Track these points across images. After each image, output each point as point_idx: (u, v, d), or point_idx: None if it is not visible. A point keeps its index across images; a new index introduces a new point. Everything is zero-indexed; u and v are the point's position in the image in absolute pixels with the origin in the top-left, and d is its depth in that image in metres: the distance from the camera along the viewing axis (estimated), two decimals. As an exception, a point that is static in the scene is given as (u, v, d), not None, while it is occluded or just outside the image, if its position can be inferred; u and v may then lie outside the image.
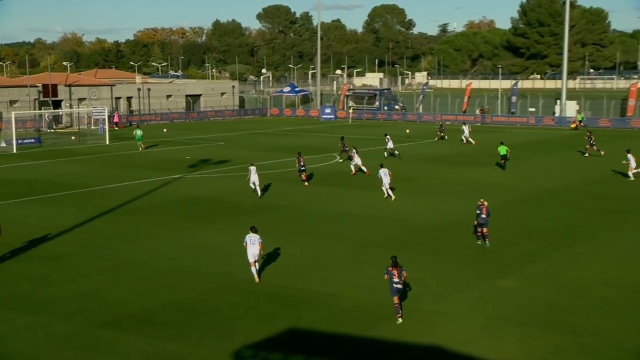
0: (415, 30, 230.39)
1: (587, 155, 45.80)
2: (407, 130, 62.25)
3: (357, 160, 38.86)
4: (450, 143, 54.92)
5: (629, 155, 37.23)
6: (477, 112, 76.90)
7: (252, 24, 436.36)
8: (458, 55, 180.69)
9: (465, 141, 54.20)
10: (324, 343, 15.89)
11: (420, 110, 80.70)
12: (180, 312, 17.60)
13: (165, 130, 65.70)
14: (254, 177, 32.37)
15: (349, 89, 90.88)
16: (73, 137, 57.73)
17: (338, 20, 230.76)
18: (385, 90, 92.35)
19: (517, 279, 20.16)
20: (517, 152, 49.17)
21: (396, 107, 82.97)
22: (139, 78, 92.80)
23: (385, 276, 17.39)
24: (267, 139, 59.13)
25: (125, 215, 28.82)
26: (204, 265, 21.55)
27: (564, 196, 32.78)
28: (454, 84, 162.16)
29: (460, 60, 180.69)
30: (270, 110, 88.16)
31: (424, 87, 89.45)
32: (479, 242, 23.89)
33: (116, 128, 67.91)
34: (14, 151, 50.07)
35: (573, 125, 67.74)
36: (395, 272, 17.15)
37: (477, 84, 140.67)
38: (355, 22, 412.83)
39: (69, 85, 72.96)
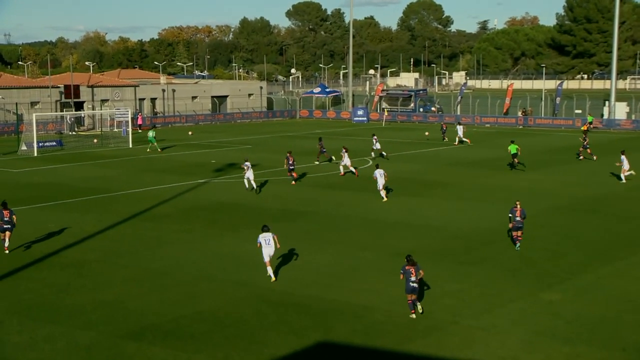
0: (453, 28, 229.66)
1: (581, 158, 46.52)
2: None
3: (346, 160, 39.77)
4: (485, 147, 54.51)
5: (622, 157, 37.63)
6: (519, 114, 76.20)
7: (281, 22, 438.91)
8: (499, 53, 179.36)
9: (458, 142, 55.79)
10: (356, 358, 15.85)
11: (458, 112, 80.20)
12: (206, 323, 17.72)
13: (190, 133, 66.25)
14: (248, 173, 34.92)
15: (383, 90, 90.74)
16: (95, 140, 58.51)
17: (371, 18, 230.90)
18: (421, 91, 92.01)
19: (563, 292, 19.91)
20: (559, 156, 48.64)
21: (432, 109, 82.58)
22: (163, 78, 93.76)
23: (401, 276, 18.16)
24: (296, 142, 59.28)
25: (149, 221, 29.12)
26: (230, 274, 21.67)
27: (611, 203, 32.31)
28: (494, 84, 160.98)
29: (501, 59, 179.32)
30: (300, 112, 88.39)
31: (462, 87, 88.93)
32: (518, 248, 24.03)
33: (139, 130, 68.68)
34: (35, 154, 50.93)
35: (584, 128, 67.05)
36: (413, 271, 17.90)
37: (519, 84, 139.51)
38: (389, 19, 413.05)
39: (92, 86, 74.03)
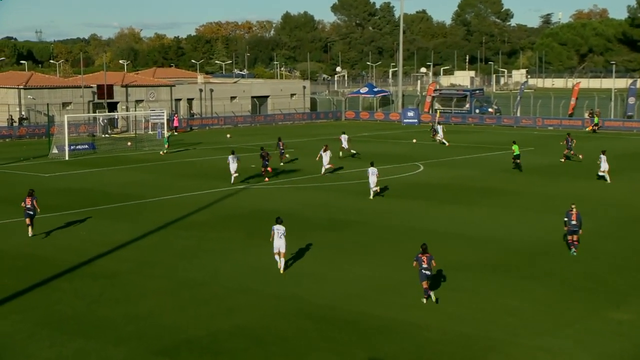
0: (512, 22, 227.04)
1: (562, 160, 47.76)
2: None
3: (326, 159, 42.42)
4: (547, 152, 53.76)
5: (603, 156, 39.89)
6: (586, 115, 74.96)
7: (326, 17, 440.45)
8: (563, 50, 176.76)
9: (438, 142, 58.44)
10: (405, 379, 15.76)
11: (518, 114, 79.36)
12: (245, 339, 17.84)
13: (228, 135, 66.85)
14: (233, 165, 39.31)
15: (435, 90, 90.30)
16: (129, 143, 59.44)
17: (423, 12, 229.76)
18: (477, 91, 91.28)
19: (633, 312, 19.54)
20: (628, 163, 47.67)
21: (489, 110, 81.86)
22: (200, 78, 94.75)
23: (415, 263, 20.40)
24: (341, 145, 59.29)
25: (185, 230, 29.47)
26: (270, 287, 21.79)
27: (691, 215, 31.55)
28: (558, 83, 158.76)
29: (565, 56, 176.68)
30: (345, 114, 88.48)
31: (523, 86, 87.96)
32: (574, 253, 24.33)
33: (175, 133, 69.57)
34: (66, 158, 51.95)
35: (589, 129, 68.56)
36: (425, 259, 20.12)
37: (585, 83, 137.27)
38: (443, 13, 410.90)
39: (126, 86, 75.29)
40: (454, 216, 31.75)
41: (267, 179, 40.75)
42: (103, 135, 67.40)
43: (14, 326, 18.73)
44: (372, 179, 35.11)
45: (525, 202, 34.88)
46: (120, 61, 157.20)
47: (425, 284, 19.93)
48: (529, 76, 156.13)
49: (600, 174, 40.15)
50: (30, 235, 28.06)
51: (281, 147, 47.47)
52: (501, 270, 23.44)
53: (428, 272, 19.99)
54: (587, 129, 70.09)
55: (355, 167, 45.94)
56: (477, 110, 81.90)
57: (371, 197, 35.31)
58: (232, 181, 39.56)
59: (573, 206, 25.15)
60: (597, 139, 63.19)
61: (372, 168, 35.44)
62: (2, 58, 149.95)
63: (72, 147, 54.66)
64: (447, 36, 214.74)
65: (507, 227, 29.66)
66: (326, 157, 42.53)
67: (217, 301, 20.60)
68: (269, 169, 41.44)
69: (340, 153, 48.32)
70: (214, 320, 19.06)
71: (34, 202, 28.16)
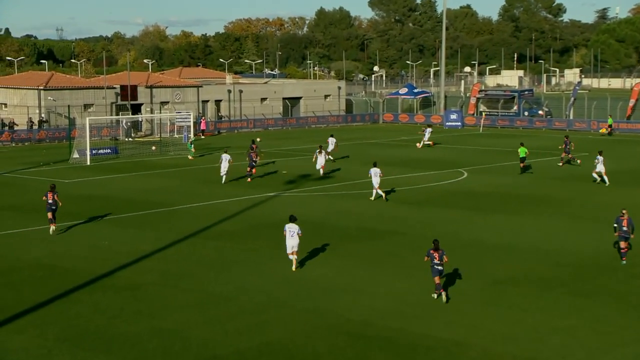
0: (565, 17, 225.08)
1: (561, 164, 48.26)
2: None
3: (321, 160, 44.54)
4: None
5: (600, 157, 41.45)
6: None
7: (363, 13, 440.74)
8: (621, 47, 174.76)
9: (421, 145, 60.06)
10: (446, 402, 15.72)
11: (571, 117, 78.59)
12: (275, 356, 17.93)
13: (258, 139, 67.11)
14: (224, 165, 42.02)
15: (481, 90, 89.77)
16: (154, 148, 59.99)
17: (468, 7, 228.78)
18: (526, 92, 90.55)
19: (696, 332, 19.26)
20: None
21: (539, 112, 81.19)
22: (229, 78, 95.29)
23: (426, 258, 22.07)
24: (378, 150, 59.30)
25: (212, 239, 29.68)
26: (302, 301, 21.86)
27: None
28: (615, 83, 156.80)
29: (623, 54, 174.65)
30: (383, 116, 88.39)
31: (576, 87, 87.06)
32: (623, 262, 24.49)
33: (202, 137, 70.09)
34: (88, 163, 52.58)
35: (603, 131, 69.47)
36: (437, 255, 21.70)
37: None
38: (489, 8, 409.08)
39: (150, 87, 76.07)
40: (499, 226, 31.59)
41: (249, 179, 43.31)
42: (126, 139, 68.09)
43: (32, 341, 19.02)
44: (375, 180, 36.60)
45: (576, 211, 34.59)
46: (145, 60, 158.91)
47: (437, 279, 21.65)
48: (582, 76, 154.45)
49: (595, 175, 41.50)
50: (51, 232, 30.20)
51: (253, 150, 46.73)
52: (550, 284, 23.26)
53: (440, 267, 21.69)
54: (601, 131, 71.06)
55: (393, 174, 45.86)
56: (526, 113, 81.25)
57: (372, 198, 36.89)
58: (222, 181, 41.85)
59: (624, 211, 25.30)
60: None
61: (374, 169, 36.86)
62: (22, 57, 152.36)
63: (93, 152, 55.31)
64: (493, 33, 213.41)
65: (557, 237, 29.44)
66: (321, 158, 44.89)
67: (246, 316, 20.71)
68: (253, 170, 43.74)
69: (331, 157, 50.19)
70: (242, 337, 19.17)
71: (56, 197, 30.41)
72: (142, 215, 34.61)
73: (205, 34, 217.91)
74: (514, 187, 41.49)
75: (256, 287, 23.33)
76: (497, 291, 22.54)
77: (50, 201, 30.31)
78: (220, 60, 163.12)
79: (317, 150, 45.25)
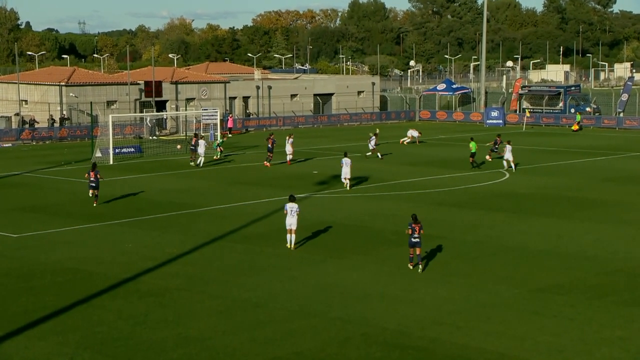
0: (615, 8, 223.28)
1: (489, 159, 49.28)
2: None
3: (346, 170, 43.42)
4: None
5: (508, 146, 45.39)
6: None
7: (399, 4, 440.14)
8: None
9: (403, 142, 61.97)
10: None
11: (621, 115, 77.75)
12: (306, 367, 17.91)
13: (179, 147, 66.91)
14: (201, 150, 47.30)
15: (524, 86, 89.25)
16: (179, 146, 60.29)
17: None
18: (573, 88, 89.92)
19: None
20: None
21: (587, 109, 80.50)
22: (258, 73, 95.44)
23: (409, 230, 24.82)
24: (420, 150, 59.11)
25: (240, 243, 29.76)
26: (334, 309, 21.82)
27: None
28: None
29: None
30: (420, 113, 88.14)
31: (628, 83, 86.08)
32: None
33: (230, 135, 70.32)
34: (111, 162, 53.00)
35: (575, 127, 71.25)
36: (417, 228, 24.59)
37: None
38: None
39: (175, 83, 76.51)
40: (544, 230, 31.35)
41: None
42: (150, 138, 68.44)
43: (53, 348, 19.18)
44: (345, 170, 40.14)
45: (626, 215, 34.23)
46: (170, 55, 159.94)
47: (412, 251, 24.85)
48: (634, 70, 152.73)
49: (504, 162, 45.77)
50: (95, 205, 35.90)
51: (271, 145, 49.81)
52: (599, 292, 23.03)
53: (417, 240, 24.69)
54: (572, 128, 73.11)
55: (431, 174, 45.68)
56: (573, 110, 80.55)
57: (347, 187, 40.30)
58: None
59: None
60: None
61: (345, 159, 40.40)
62: (42, 52, 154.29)
63: (117, 150, 55.74)
64: (537, 25, 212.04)
65: (605, 243, 29.16)
66: (289, 146, 48.89)
67: (275, 324, 20.72)
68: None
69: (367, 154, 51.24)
70: (271, 346, 19.18)
71: (97, 175, 35.68)
72: (167, 217, 34.80)
73: (233, 27, 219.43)
74: (559, 188, 41.14)
75: (286, 293, 23.33)
76: (542, 299, 22.34)
77: (92, 179, 35.39)
78: (249, 54, 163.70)
79: (287, 138, 49.87)
